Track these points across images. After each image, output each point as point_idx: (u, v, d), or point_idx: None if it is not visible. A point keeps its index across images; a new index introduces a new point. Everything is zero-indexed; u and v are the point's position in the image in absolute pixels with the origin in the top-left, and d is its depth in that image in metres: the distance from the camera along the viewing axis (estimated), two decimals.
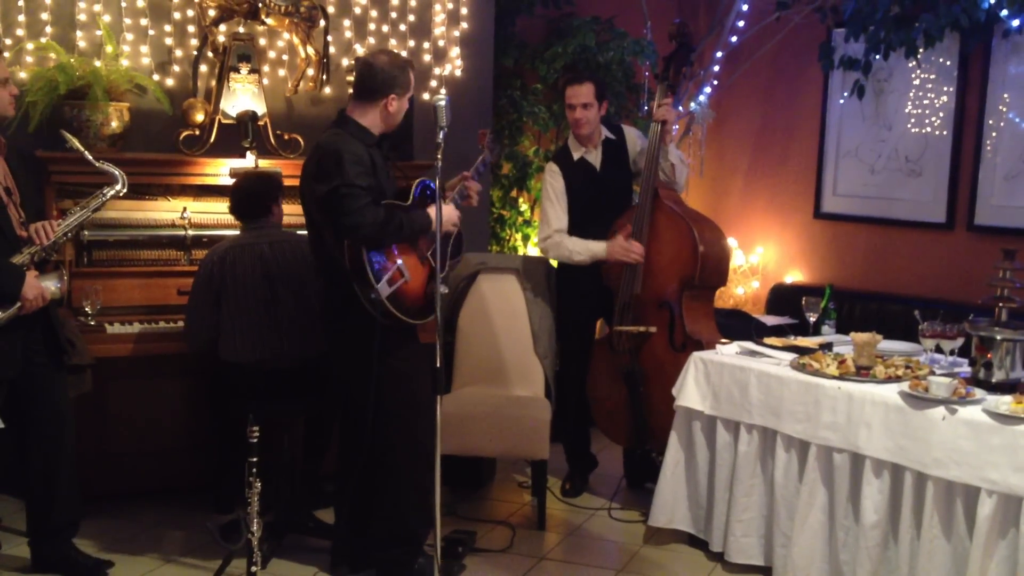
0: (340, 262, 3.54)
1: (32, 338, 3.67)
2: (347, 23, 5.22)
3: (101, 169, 3.74)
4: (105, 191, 3.76)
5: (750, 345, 4.19)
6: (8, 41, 4.51)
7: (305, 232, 3.88)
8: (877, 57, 5.37)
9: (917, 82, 5.71)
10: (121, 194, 3.79)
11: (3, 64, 3.62)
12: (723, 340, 4.35)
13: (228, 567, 3.81)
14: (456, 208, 3.85)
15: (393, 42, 5.29)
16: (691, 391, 4.13)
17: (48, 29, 4.59)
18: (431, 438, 3.38)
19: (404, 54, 5.22)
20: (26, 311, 3.54)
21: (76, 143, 3.72)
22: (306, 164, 3.69)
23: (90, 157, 3.73)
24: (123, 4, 4.73)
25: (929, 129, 5.70)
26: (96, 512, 4.12)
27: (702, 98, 6.21)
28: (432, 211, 3.57)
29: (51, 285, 3.61)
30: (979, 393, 3.46)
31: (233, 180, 4.43)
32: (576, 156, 4.82)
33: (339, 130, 3.67)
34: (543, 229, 4.82)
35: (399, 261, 3.60)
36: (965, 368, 3.79)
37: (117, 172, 3.77)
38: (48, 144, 4.34)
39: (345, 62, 5.18)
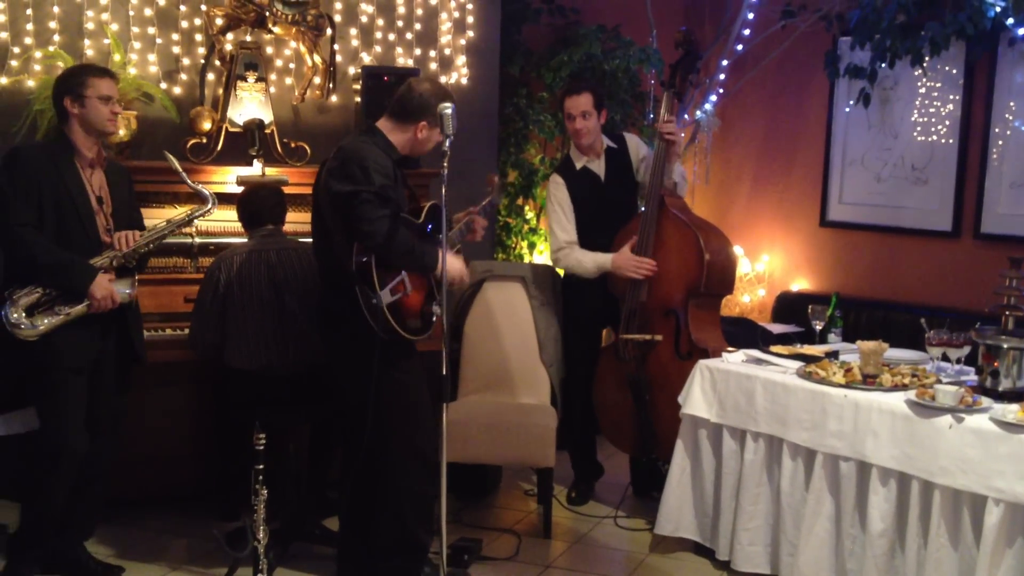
0: (346, 265, 3.54)
1: (108, 340, 3.81)
2: (353, 32, 5.23)
3: (196, 189, 3.91)
4: (193, 211, 3.92)
5: (756, 353, 4.19)
6: (16, 49, 4.53)
7: (311, 240, 3.90)
8: (883, 65, 5.37)
9: (923, 90, 5.72)
10: (211, 215, 3.97)
11: (110, 84, 3.75)
12: (729, 348, 4.34)
13: (234, 574, 3.82)
14: (463, 263, 3.85)
15: (399, 51, 5.30)
16: (697, 399, 4.13)
17: (56, 37, 4.61)
18: (434, 446, 3.37)
19: (411, 62, 5.27)
20: (94, 310, 3.67)
21: (176, 164, 3.87)
22: (325, 165, 3.68)
23: (186, 178, 3.89)
24: (131, 13, 4.75)
25: (935, 137, 5.69)
26: (102, 518, 4.12)
27: (708, 106, 6.21)
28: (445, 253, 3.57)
29: (123, 289, 3.75)
30: (986, 402, 3.45)
31: (242, 188, 4.44)
32: (579, 166, 4.83)
33: (367, 138, 3.68)
34: (553, 243, 4.83)
35: (403, 273, 3.59)
36: (972, 377, 3.79)
37: (208, 193, 3.92)
38: None
39: (352, 70, 5.20)
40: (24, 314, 3.59)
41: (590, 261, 4.71)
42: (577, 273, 4.78)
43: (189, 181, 3.90)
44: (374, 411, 3.58)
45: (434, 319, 3.40)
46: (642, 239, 4.58)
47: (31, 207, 3.62)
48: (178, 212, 4.57)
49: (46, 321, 3.60)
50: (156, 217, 4.55)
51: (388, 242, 3.48)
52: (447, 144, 3.35)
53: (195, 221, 4.46)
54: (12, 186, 3.61)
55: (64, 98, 3.70)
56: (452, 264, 3.67)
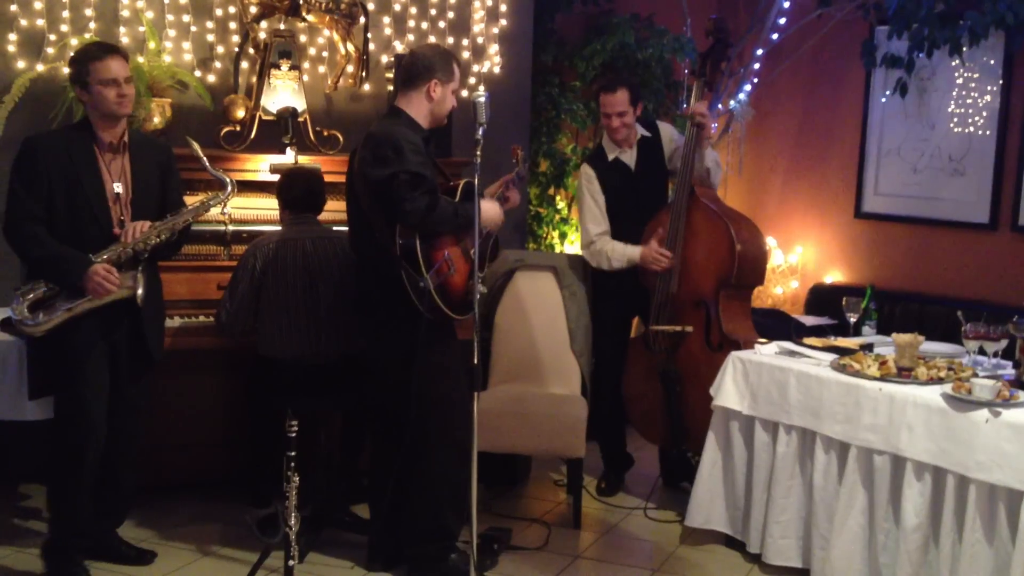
0: (390, 250, 3.55)
1: (119, 334, 3.75)
2: (387, 20, 5.23)
3: (215, 175, 3.84)
4: (210, 198, 3.85)
5: (789, 345, 4.16)
6: (52, 37, 4.57)
7: (346, 229, 3.91)
8: (920, 55, 5.30)
9: (960, 81, 5.64)
10: (228, 201, 3.90)
11: (113, 64, 3.63)
12: (761, 340, 4.31)
13: (266, 560, 3.84)
14: (499, 207, 3.85)
15: (432, 39, 5.30)
16: (729, 391, 4.10)
17: (92, 25, 4.64)
18: (467, 434, 3.38)
19: None
20: (95, 303, 3.61)
21: (197, 149, 3.82)
22: (357, 152, 3.71)
23: (207, 163, 3.82)
24: (166, 0, 4.77)
25: (972, 128, 5.62)
26: (135, 504, 4.15)
27: (742, 96, 6.17)
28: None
29: (126, 281, 3.67)
30: (1023, 396, 3.40)
31: (284, 173, 4.42)
32: (611, 157, 4.80)
33: (393, 119, 3.70)
34: (585, 236, 4.82)
35: (447, 253, 3.61)
36: (1009, 370, 3.74)
37: (227, 179, 3.87)
38: None
39: (384, 59, 5.20)
40: (28, 310, 3.54)
41: (620, 255, 4.69)
42: (605, 268, 4.76)
43: (209, 167, 3.83)
44: (415, 394, 3.59)
45: (477, 296, 3.40)
46: (672, 230, 4.56)
47: (38, 200, 3.55)
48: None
49: (49, 317, 3.56)
50: (191, 205, 4.58)
51: (431, 215, 3.50)
52: (480, 133, 3.35)
53: (227, 208, 4.52)
54: (21, 179, 3.56)
55: (74, 87, 3.69)
56: (487, 207, 3.71)
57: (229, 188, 3.86)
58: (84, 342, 3.66)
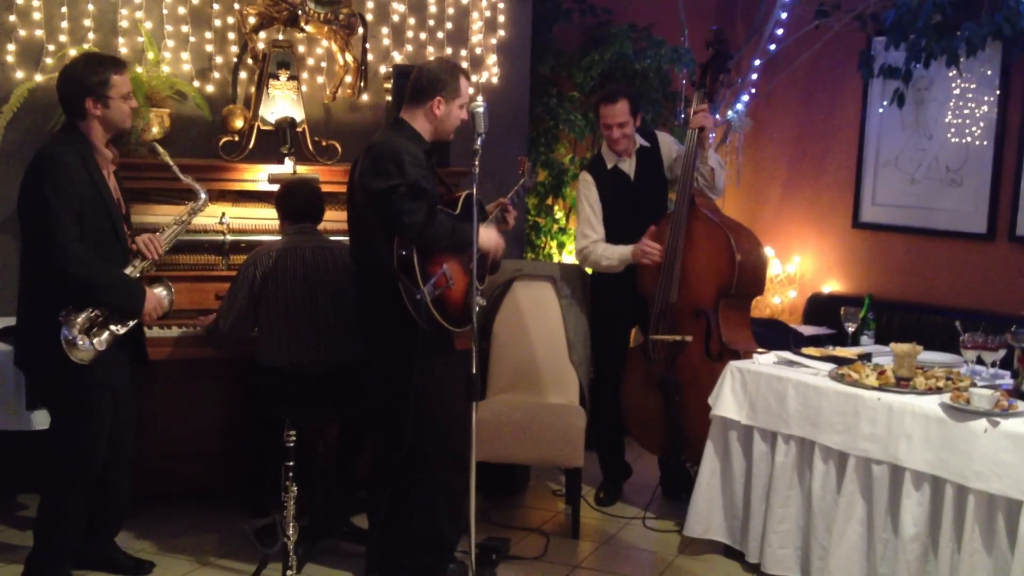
0: (387, 262, 3.55)
1: (128, 343, 3.76)
2: (385, 31, 5.24)
3: (187, 184, 3.83)
4: (193, 207, 3.84)
5: (788, 355, 4.16)
6: (51, 47, 4.57)
7: (345, 239, 3.91)
8: (918, 66, 5.32)
9: (958, 91, 5.66)
10: (204, 209, 3.90)
11: (126, 80, 3.65)
12: (759, 350, 4.31)
13: (264, 570, 3.84)
14: (499, 233, 3.86)
15: (431, 49, 5.31)
16: (727, 400, 4.10)
17: (91, 36, 4.65)
18: (465, 444, 3.38)
19: None
20: (144, 322, 3.67)
21: (167, 157, 3.80)
22: (358, 164, 3.71)
23: (177, 171, 3.81)
24: (165, 11, 4.78)
25: (970, 139, 5.64)
26: (132, 514, 4.15)
27: (739, 106, 6.18)
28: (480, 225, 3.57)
29: (168, 297, 3.73)
30: (1021, 406, 3.40)
31: (283, 183, 4.45)
32: (610, 165, 4.82)
33: (395, 131, 3.70)
34: (579, 240, 4.83)
35: (445, 267, 3.61)
36: (1007, 380, 3.75)
37: (199, 188, 3.85)
38: None
39: (383, 69, 5.21)
40: (85, 335, 3.48)
41: (612, 254, 4.71)
42: (602, 269, 4.77)
43: (180, 175, 3.80)
44: (413, 405, 3.58)
45: (476, 309, 3.40)
46: (672, 239, 4.56)
47: (75, 218, 3.47)
48: (209, 209, 4.56)
49: (102, 341, 3.51)
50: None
51: (427, 230, 3.50)
52: (479, 143, 3.36)
53: (225, 218, 4.55)
54: (59, 199, 3.44)
55: (86, 99, 3.55)
56: (486, 235, 3.72)
57: (202, 199, 3.84)
58: (111, 372, 3.64)
